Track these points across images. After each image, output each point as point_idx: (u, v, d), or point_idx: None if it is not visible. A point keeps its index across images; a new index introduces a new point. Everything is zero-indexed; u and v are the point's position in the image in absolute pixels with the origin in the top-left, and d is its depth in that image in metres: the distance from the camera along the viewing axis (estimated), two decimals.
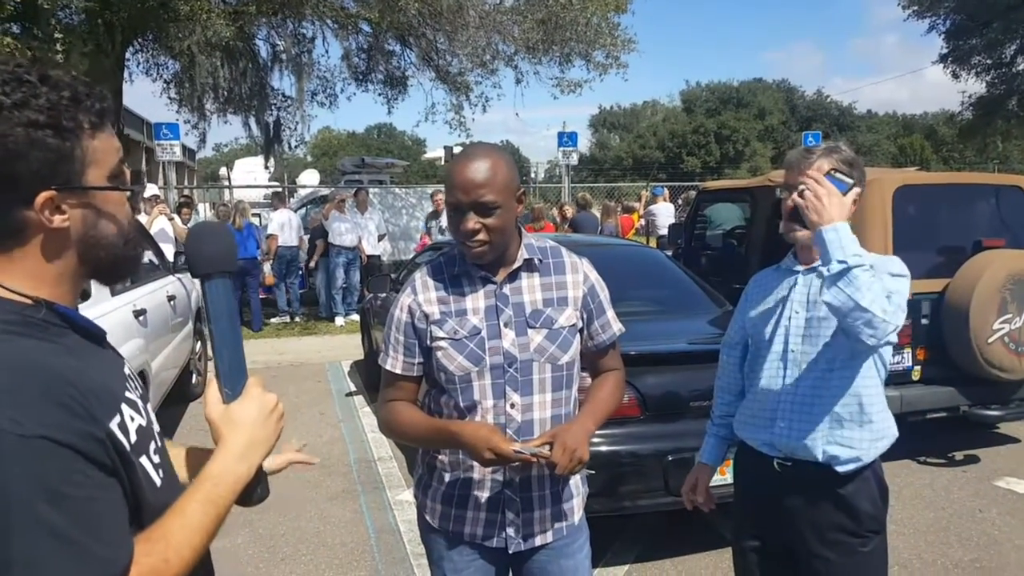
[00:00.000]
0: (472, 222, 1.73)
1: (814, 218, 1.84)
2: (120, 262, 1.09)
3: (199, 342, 7.37)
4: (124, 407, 1.01)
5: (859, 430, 2.01)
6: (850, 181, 1.91)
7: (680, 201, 13.22)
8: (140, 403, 1.08)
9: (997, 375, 4.79)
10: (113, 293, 4.67)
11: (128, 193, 1.10)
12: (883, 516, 2.08)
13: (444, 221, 10.57)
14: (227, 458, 1.09)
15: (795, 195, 1.94)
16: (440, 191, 12.86)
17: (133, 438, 1.01)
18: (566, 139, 13.91)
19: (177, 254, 7.19)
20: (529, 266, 1.86)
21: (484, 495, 1.85)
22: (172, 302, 6.18)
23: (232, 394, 1.16)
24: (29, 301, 0.99)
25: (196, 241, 1.22)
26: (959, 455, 5.29)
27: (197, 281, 1.24)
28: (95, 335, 1.07)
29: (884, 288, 1.78)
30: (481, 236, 1.75)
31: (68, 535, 0.87)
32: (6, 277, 0.99)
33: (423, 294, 1.86)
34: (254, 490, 1.13)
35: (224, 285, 1.20)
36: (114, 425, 0.97)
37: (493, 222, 1.74)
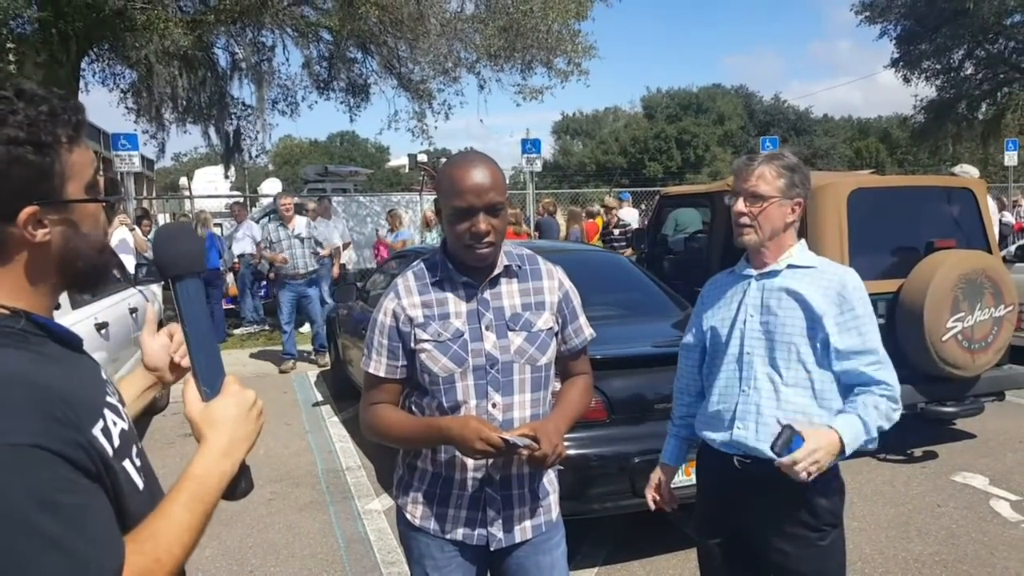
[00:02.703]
0: (485, 224, 1.79)
1: (829, 461, 1.95)
2: (96, 272, 1.11)
3: None
4: (106, 412, 1.03)
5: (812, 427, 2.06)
6: (790, 436, 1.89)
7: (643, 207, 13.35)
8: (120, 407, 1.09)
9: (951, 372, 4.92)
10: (74, 306, 4.59)
11: (103, 203, 1.11)
12: (840, 510, 2.15)
13: (303, 229, 8.70)
14: (210, 457, 1.11)
15: (802, 473, 1.89)
16: (395, 209, 12.77)
17: (116, 442, 1.02)
18: (529, 146, 13.96)
19: (138, 266, 7.08)
20: (508, 272, 1.93)
21: (465, 493, 1.91)
22: (134, 315, 6.08)
23: (211, 392, 1.18)
24: (7, 312, 1.00)
25: (164, 242, 1.22)
26: (917, 451, 5.42)
27: (153, 288, 1.24)
28: (72, 343, 1.08)
29: (869, 376, 2.11)
30: (490, 238, 1.81)
31: (65, 543, 0.88)
32: None
33: (407, 298, 1.91)
34: (238, 484, 1.15)
35: (196, 285, 1.22)
36: (97, 431, 0.98)
37: (499, 223, 1.82)
